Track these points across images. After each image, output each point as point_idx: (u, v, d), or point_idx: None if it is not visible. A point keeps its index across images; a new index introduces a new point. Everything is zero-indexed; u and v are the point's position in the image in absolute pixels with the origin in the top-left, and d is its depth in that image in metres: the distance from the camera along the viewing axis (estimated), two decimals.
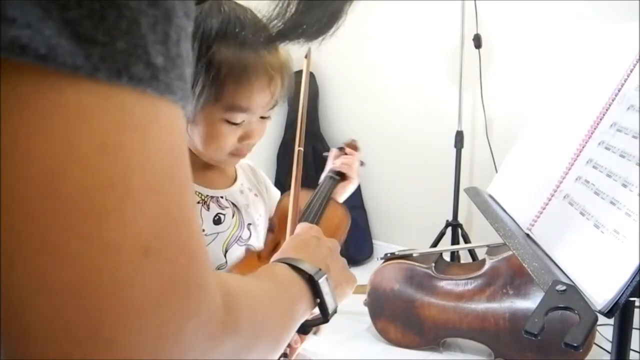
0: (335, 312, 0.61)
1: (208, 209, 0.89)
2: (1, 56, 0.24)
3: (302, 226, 0.77)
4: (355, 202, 2.98)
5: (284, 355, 0.69)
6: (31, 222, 0.25)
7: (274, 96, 0.84)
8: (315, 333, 0.72)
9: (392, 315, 2.10)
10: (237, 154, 0.88)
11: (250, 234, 0.95)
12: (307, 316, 0.58)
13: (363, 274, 1.93)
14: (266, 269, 0.58)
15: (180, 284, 0.29)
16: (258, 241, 0.96)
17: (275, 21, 0.47)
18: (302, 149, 0.92)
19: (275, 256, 0.66)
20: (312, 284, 0.58)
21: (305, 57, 0.96)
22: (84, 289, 0.26)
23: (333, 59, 2.88)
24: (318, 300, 0.58)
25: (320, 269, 0.59)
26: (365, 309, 2.13)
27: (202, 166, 0.90)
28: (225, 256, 0.89)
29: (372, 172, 2.98)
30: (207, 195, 0.89)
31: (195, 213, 0.32)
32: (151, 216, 0.28)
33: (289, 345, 0.68)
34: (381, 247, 2.85)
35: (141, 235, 0.27)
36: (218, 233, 0.89)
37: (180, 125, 0.30)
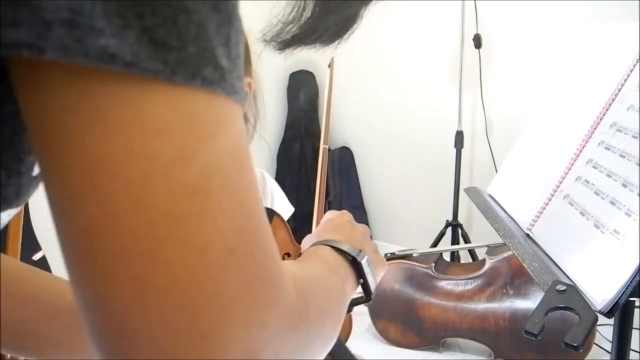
0: (375, 292, 0.63)
1: None
2: (91, 66, 0.25)
3: (332, 212, 0.76)
4: (355, 202, 2.98)
5: None
6: (124, 234, 0.27)
7: None
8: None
9: (392, 315, 2.10)
10: None
11: None
12: (352, 295, 0.59)
13: None
14: (313, 252, 0.59)
15: (260, 276, 0.31)
16: None
17: (291, 25, 0.47)
18: (327, 146, 0.93)
19: (311, 239, 0.66)
20: (354, 265, 0.59)
21: (329, 66, 0.98)
22: (180, 289, 0.27)
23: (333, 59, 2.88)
24: (361, 281, 0.60)
25: (360, 250, 0.60)
26: (365, 309, 2.13)
27: None
28: None
29: (372, 172, 2.98)
30: None
31: (262, 206, 0.33)
32: (230, 216, 0.29)
33: None
34: (381, 247, 2.85)
35: (224, 235, 0.29)
36: None
37: (242, 124, 0.32)
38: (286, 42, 0.50)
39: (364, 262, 0.59)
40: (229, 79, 0.29)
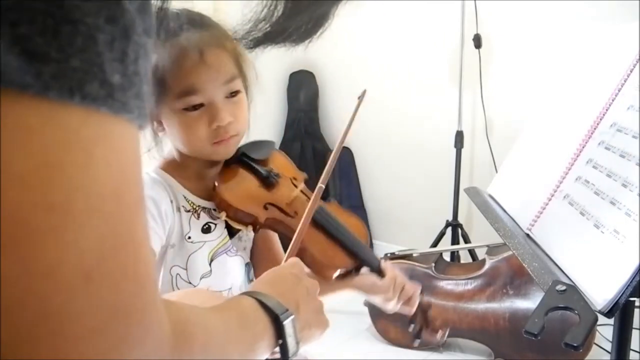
0: (295, 355, 0.59)
1: (198, 217, 0.88)
2: None
3: (290, 261, 0.74)
4: (355, 202, 2.98)
5: None
6: None
7: (213, 67, 0.82)
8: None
9: (392, 315, 2.09)
10: (217, 141, 0.86)
11: (245, 247, 0.95)
12: (267, 354, 0.56)
13: None
14: (234, 302, 0.57)
15: (123, 311, 0.28)
16: (247, 255, 0.96)
17: (262, 23, 0.46)
18: (323, 185, 0.89)
19: (250, 286, 0.66)
20: (277, 323, 0.56)
21: (358, 98, 0.98)
22: (21, 312, 0.25)
23: (333, 59, 2.88)
24: (280, 341, 0.56)
25: (287, 310, 0.57)
26: (365, 309, 2.13)
27: (197, 176, 0.90)
28: (210, 265, 0.88)
29: (372, 172, 2.98)
30: (199, 206, 0.89)
31: (147, 237, 0.31)
32: (94, 240, 0.26)
33: None
34: (381, 247, 2.85)
35: (83, 260, 0.26)
36: (205, 242, 0.88)
37: (135, 145, 0.30)
38: (257, 40, 0.49)
39: (286, 323, 0.56)
40: (119, 97, 0.27)
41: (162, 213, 0.83)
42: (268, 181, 0.92)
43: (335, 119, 3.07)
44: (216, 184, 0.88)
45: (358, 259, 0.94)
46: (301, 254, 0.90)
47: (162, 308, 0.32)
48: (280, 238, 0.97)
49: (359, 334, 2.21)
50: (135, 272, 0.29)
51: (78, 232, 0.26)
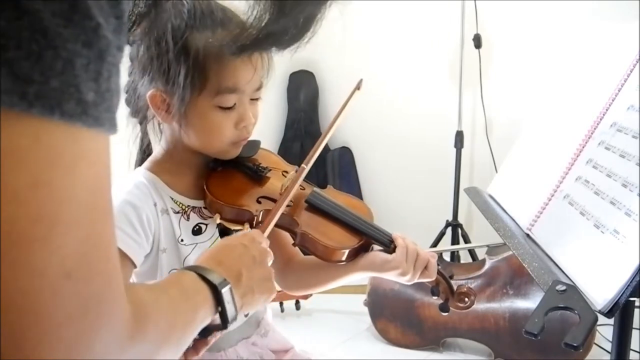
0: (235, 319, 0.63)
1: (188, 219, 0.87)
2: None
3: (245, 231, 0.78)
4: None
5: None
6: None
7: (257, 71, 0.84)
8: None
9: (392, 315, 2.10)
10: (237, 141, 0.87)
11: None
12: (208, 321, 0.60)
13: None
14: (175, 277, 0.61)
15: (95, 301, 0.32)
16: None
17: (250, 30, 0.48)
18: (306, 167, 0.90)
19: (196, 259, 0.69)
20: (215, 292, 0.60)
21: (358, 88, 0.98)
22: (11, 307, 0.29)
23: (333, 59, 2.88)
24: (219, 309, 0.61)
25: (225, 279, 0.62)
26: (365, 309, 2.13)
27: (185, 175, 0.89)
28: None
29: (372, 172, 2.98)
30: (188, 206, 0.88)
31: (114, 235, 0.35)
32: (74, 244, 0.31)
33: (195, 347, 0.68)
34: None
35: (65, 262, 0.30)
36: (197, 243, 0.87)
37: (106, 154, 0.33)
38: (244, 46, 0.51)
39: (224, 291, 0.61)
40: (92, 113, 0.30)
41: (144, 221, 0.82)
42: (257, 175, 0.92)
43: None
44: (206, 187, 0.87)
45: (363, 235, 0.92)
46: (304, 241, 0.89)
47: (125, 297, 0.37)
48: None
49: (359, 334, 2.21)
50: (106, 268, 0.34)
51: (61, 239, 0.30)
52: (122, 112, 0.88)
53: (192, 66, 0.78)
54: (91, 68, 0.30)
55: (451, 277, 0.99)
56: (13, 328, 0.29)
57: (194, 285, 0.60)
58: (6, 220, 0.28)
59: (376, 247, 0.94)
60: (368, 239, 0.92)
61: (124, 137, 0.88)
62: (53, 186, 0.29)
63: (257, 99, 0.88)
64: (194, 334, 0.57)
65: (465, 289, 0.99)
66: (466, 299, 1.01)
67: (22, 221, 0.29)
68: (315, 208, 0.92)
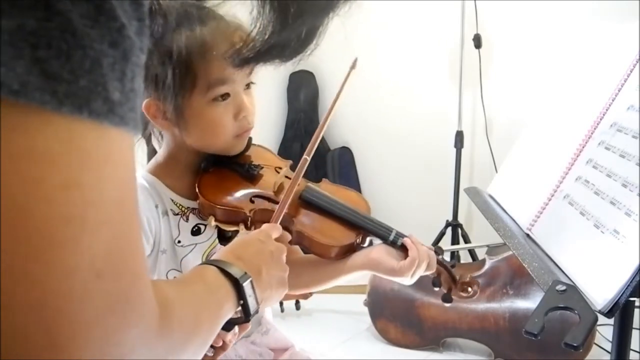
0: (257, 312, 0.65)
1: (187, 220, 0.87)
2: None
3: (262, 227, 0.78)
4: None
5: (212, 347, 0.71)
6: (1, 251, 0.28)
7: None
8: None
9: (392, 315, 2.10)
10: (240, 133, 0.87)
11: None
12: (231, 315, 0.62)
13: (363, 274, 1.93)
14: (197, 272, 0.62)
15: (124, 299, 0.33)
16: None
17: (253, 43, 0.49)
18: (308, 158, 0.89)
19: (217, 254, 0.69)
20: (237, 286, 0.62)
21: (353, 68, 0.97)
22: (44, 307, 0.29)
23: (333, 59, 2.87)
24: (241, 302, 0.62)
25: (246, 273, 0.63)
26: (365, 309, 2.13)
27: (185, 177, 0.89)
28: None
29: (372, 172, 2.98)
30: (187, 207, 0.88)
31: (140, 235, 0.36)
32: (103, 244, 0.31)
33: (222, 342, 0.71)
34: None
35: (94, 261, 0.31)
36: (197, 244, 0.87)
37: (131, 154, 0.34)
38: (246, 59, 0.52)
39: (245, 285, 0.62)
40: (118, 112, 0.31)
41: (145, 222, 0.83)
42: (249, 174, 0.90)
43: (336, 119, 3.06)
44: (197, 189, 0.86)
45: (361, 229, 0.91)
46: (300, 239, 0.89)
47: (152, 294, 0.37)
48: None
49: (359, 334, 2.21)
50: (134, 266, 0.34)
51: (91, 239, 0.30)
52: None
53: (180, 67, 0.78)
54: (117, 68, 0.31)
55: (452, 267, 0.98)
56: (46, 328, 0.29)
57: (216, 280, 0.61)
58: (40, 222, 0.29)
59: (375, 240, 0.93)
60: (365, 233, 0.92)
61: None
62: (83, 186, 0.30)
63: (250, 86, 0.87)
64: (219, 328, 0.58)
65: (468, 279, 0.98)
66: (469, 289, 0.99)
67: (54, 223, 0.29)
68: (309, 204, 0.91)
